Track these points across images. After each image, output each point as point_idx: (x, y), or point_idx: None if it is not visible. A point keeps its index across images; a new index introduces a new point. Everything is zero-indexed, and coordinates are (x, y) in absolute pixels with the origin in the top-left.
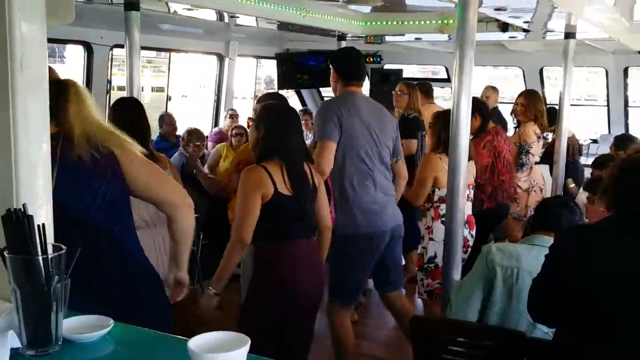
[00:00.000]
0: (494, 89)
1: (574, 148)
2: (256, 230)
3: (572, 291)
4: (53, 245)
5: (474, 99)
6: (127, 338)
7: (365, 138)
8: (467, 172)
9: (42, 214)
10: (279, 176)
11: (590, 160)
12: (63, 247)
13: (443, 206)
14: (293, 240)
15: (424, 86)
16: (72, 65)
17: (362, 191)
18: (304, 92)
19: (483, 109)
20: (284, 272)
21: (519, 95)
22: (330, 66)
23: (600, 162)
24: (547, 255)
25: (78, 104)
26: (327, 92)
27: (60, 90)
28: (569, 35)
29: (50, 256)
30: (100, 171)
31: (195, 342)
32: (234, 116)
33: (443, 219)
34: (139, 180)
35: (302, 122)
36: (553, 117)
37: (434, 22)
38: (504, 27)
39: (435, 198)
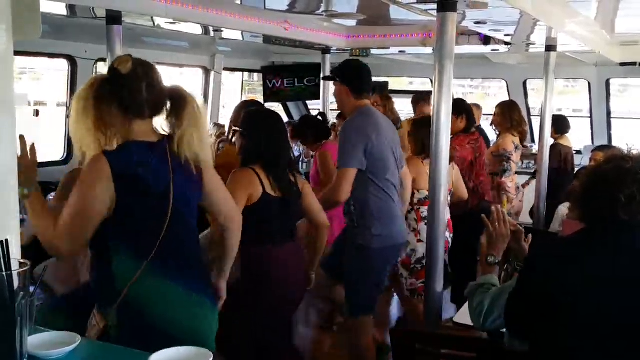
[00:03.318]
0: (477, 106)
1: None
2: (242, 233)
3: (547, 305)
4: (19, 262)
5: (464, 104)
6: (93, 354)
7: (390, 156)
8: (448, 176)
9: (11, 230)
10: (266, 178)
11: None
12: (28, 262)
13: (423, 208)
14: (278, 244)
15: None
16: None
17: (387, 206)
18: (290, 104)
19: (470, 113)
20: (269, 275)
21: (496, 107)
22: (338, 80)
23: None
24: (521, 270)
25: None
26: (313, 105)
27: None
28: (550, 48)
29: (14, 272)
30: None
31: (157, 357)
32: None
33: (426, 220)
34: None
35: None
36: (561, 124)
37: (417, 35)
38: (486, 40)
39: (415, 200)
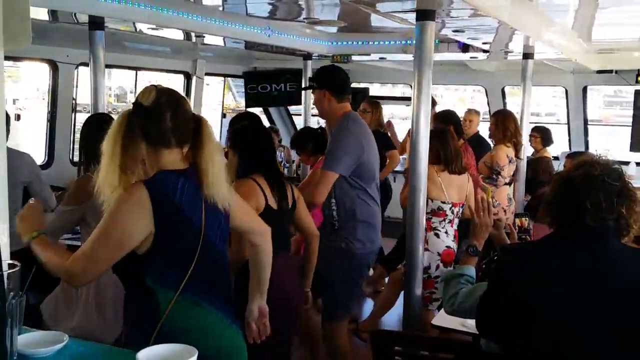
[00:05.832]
0: (476, 112)
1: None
2: (236, 243)
3: (515, 308)
4: (9, 264)
5: (452, 116)
6: (81, 352)
7: (376, 163)
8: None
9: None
10: (267, 189)
11: None
12: (17, 264)
13: (435, 218)
14: (274, 255)
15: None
16: None
17: (374, 212)
18: (272, 109)
19: (458, 124)
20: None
21: (491, 117)
22: (317, 86)
23: None
24: (491, 273)
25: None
26: (295, 110)
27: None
28: (527, 55)
29: (5, 273)
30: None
31: (144, 354)
32: None
33: (436, 230)
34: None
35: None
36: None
37: (397, 42)
38: (465, 47)
39: (428, 209)
